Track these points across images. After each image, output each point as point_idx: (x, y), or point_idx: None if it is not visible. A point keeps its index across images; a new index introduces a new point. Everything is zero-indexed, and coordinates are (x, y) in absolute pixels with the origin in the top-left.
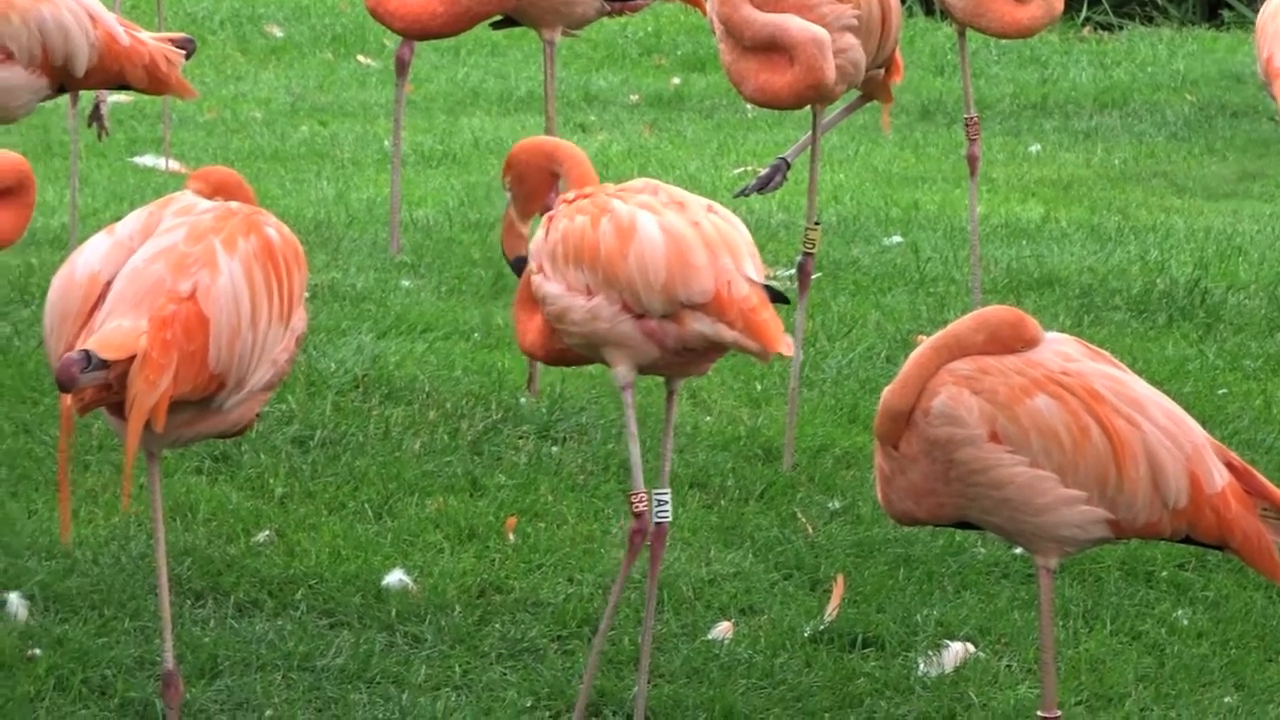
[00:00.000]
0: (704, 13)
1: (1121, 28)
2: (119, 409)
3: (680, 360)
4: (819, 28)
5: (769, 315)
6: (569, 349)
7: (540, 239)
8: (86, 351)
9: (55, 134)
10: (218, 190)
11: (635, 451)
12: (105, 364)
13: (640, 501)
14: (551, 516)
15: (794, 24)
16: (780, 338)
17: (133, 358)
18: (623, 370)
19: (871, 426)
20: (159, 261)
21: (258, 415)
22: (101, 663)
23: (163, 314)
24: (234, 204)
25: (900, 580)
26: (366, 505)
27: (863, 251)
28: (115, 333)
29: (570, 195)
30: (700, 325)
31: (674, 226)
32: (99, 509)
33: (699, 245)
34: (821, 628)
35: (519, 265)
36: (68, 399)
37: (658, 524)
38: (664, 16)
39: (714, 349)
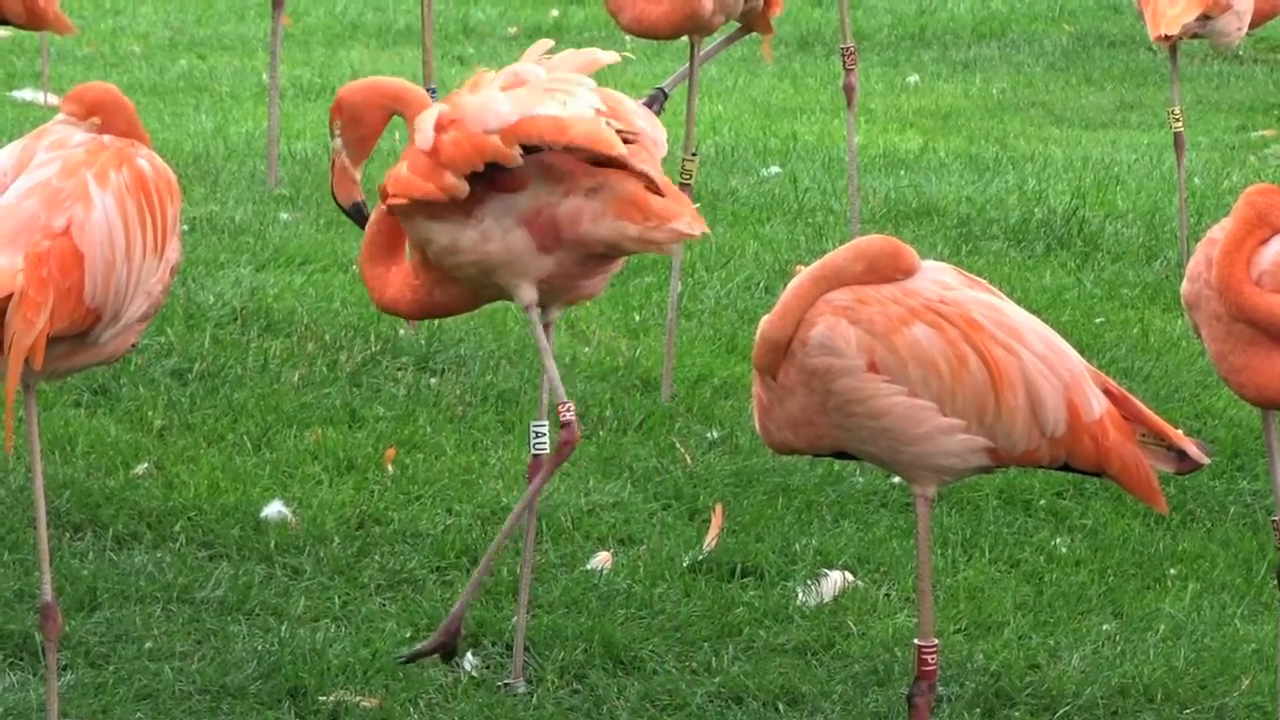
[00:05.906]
0: None
1: None
2: None
3: (578, 271)
4: None
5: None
6: (437, 299)
7: None
8: None
9: None
10: (93, 109)
11: (550, 366)
12: None
13: (568, 411)
14: (430, 448)
15: None
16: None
17: (9, 296)
18: (524, 290)
19: (750, 356)
20: (32, 197)
21: (133, 345)
22: None
23: (38, 250)
24: (106, 137)
25: (779, 510)
26: (245, 437)
27: (741, 182)
28: None
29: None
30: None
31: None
32: None
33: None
34: (700, 557)
35: (356, 211)
36: None
37: (535, 455)
38: None
39: (608, 252)
